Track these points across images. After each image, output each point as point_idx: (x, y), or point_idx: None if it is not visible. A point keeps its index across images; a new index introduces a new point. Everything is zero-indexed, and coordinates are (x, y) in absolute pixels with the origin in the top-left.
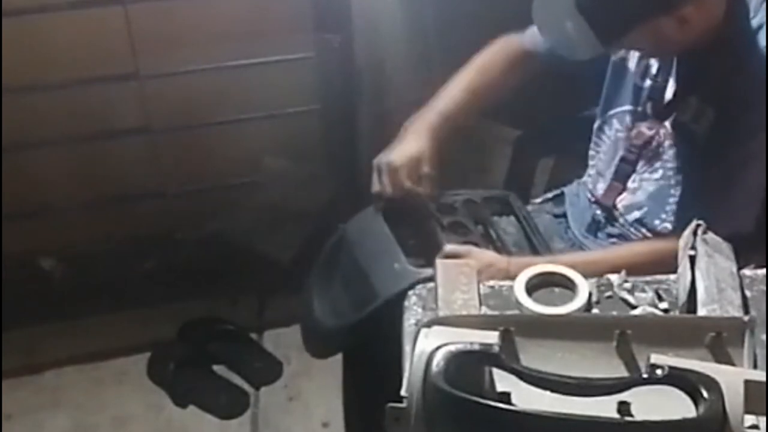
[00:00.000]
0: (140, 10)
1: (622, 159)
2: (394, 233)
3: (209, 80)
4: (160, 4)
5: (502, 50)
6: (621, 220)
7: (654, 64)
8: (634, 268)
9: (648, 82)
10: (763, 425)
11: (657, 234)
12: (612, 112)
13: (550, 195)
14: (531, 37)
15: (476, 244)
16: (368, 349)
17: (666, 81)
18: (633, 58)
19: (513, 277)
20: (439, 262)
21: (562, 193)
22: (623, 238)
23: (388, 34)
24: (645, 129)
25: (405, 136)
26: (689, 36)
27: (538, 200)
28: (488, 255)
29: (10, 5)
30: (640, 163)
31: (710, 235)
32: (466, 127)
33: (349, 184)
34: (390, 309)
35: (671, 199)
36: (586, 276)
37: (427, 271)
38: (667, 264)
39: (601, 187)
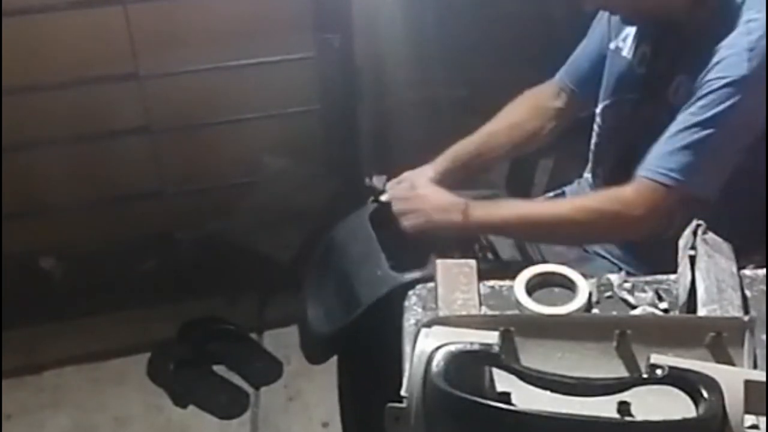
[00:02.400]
0: (140, 10)
1: (625, 145)
2: (380, 237)
3: (209, 80)
4: (160, 4)
5: (523, 107)
6: None
7: (648, 50)
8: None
9: (644, 69)
10: (763, 425)
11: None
12: (609, 101)
13: (551, 194)
14: (554, 86)
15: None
16: (357, 355)
17: (658, 64)
18: (629, 48)
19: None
20: (439, 262)
21: (563, 193)
22: None
23: (388, 34)
24: (646, 114)
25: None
26: None
27: (539, 200)
28: (439, 197)
29: (10, 5)
30: (641, 149)
31: (710, 235)
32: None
33: (349, 184)
34: (372, 315)
35: None
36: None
37: (407, 276)
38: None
39: (601, 175)
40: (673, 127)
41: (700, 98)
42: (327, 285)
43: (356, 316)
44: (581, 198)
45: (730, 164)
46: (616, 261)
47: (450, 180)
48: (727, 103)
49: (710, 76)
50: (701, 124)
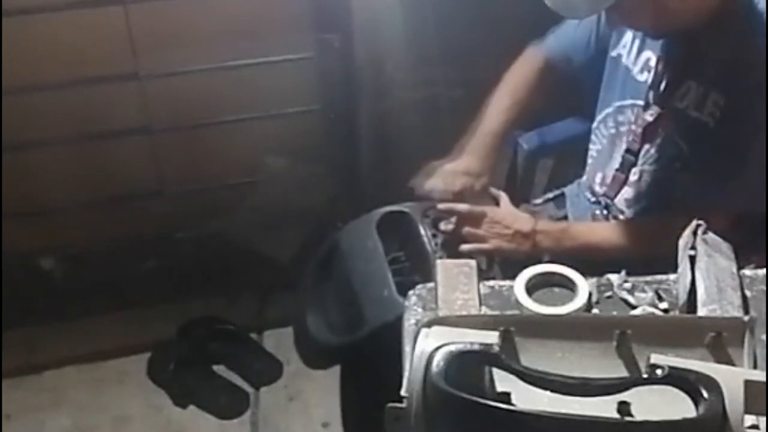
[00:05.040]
0: (140, 10)
1: (627, 150)
2: (387, 249)
3: (209, 80)
4: (160, 4)
5: (528, 66)
6: (620, 217)
7: (653, 57)
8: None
9: (647, 75)
10: (763, 425)
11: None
12: (609, 109)
13: (550, 195)
14: (548, 45)
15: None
16: (360, 366)
17: (665, 70)
18: (628, 54)
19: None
20: (440, 262)
21: (563, 194)
22: None
23: (388, 34)
24: (648, 117)
25: (460, 154)
26: (688, 7)
27: (539, 200)
28: (512, 219)
29: (10, 5)
30: (642, 153)
31: (710, 235)
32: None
33: (349, 184)
34: (377, 338)
35: (672, 191)
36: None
37: None
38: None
39: (599, 180)
40: (714, 151)
41: (732, 115)
42: (328, 292)
43: (361, 337)
44: (641, 228)
45: None
46: None
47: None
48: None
49: (756, 98)
50: (743, 141)
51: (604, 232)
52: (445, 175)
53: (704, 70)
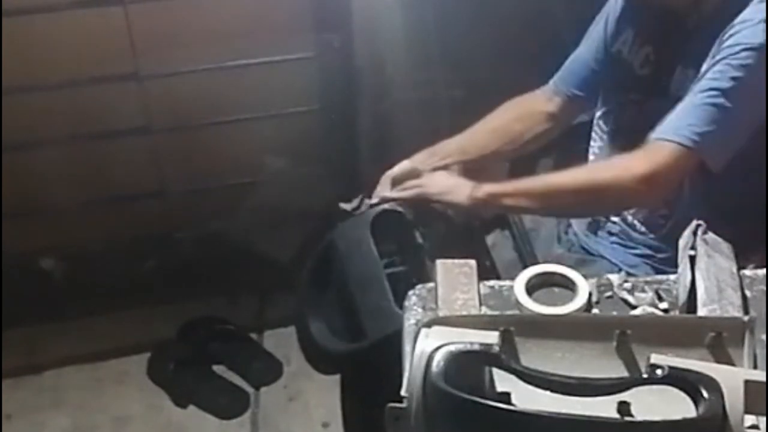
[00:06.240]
0: (140, 10)
1: (630, 143)
2: (381, 249)
3: (209, 80)
4: (160, 4)
5: (510, 111)
6: (621, 215)
7: (652, 51)
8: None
9: (648, 69)
10: (763, 425)
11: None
12: (610, 105)
13: None
14: (547, 91)
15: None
16: (361, 376)
17: (668, 61)
18: (629, 50)
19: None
20: (440, 262)
21: None
22: (624, 234)
23: (388, 34)
24: (650, 109)
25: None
26: None
27: None
28: (445, 178)
29: (10, 5)
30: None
31: (710, 235)
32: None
33: (349, 184)
34: (377, 350)
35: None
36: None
37: None
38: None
39: None
40: (690, 93)
41: (716, 63)
42: (328, 294)
43: (361, 348)
44: (592, 163)
45: (741, 139)
46: (616, 263)
47: None
48: (746, 67)
49: (727, 42)
50: (718, 89)
51: (554, 174)
52: (384, 181)
53: (697, 53)
